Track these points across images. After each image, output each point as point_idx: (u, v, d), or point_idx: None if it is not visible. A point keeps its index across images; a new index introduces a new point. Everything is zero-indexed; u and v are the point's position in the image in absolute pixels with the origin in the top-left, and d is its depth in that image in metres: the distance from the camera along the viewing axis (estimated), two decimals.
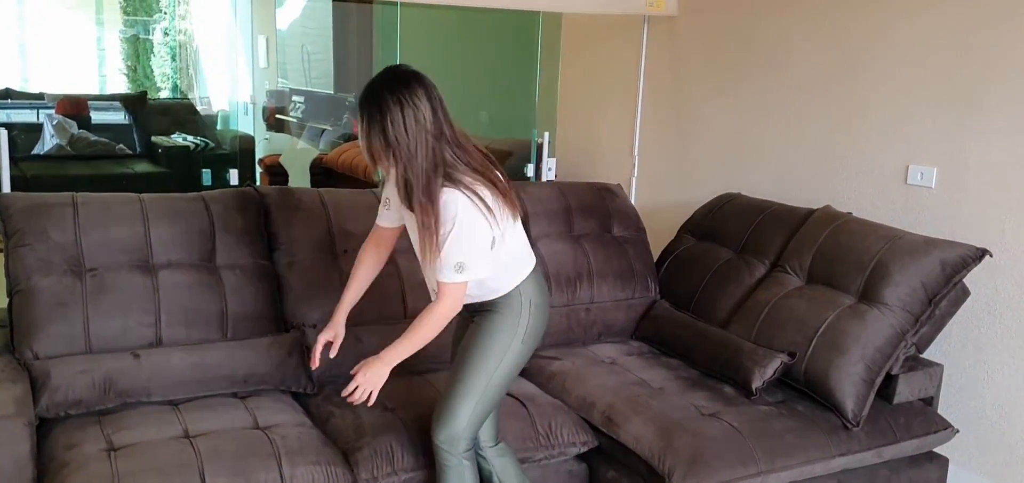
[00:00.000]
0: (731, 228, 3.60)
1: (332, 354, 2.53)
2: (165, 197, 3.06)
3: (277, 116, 8.20)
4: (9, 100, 7.97)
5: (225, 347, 2.87)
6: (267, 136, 7.97)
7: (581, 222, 3.67)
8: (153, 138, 7.57)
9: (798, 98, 3.78)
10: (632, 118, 4.50)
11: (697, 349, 3.27)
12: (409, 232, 2.46)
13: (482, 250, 2.32)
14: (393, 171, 2.27)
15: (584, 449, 2.90)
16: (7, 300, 2.79)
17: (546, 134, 4.56)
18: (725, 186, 3.88)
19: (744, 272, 3.42)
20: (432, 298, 2.40)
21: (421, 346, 2.39)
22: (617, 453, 2.89)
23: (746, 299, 3.32)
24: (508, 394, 2.92)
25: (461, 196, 2.25)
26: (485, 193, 2.29)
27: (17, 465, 2.30)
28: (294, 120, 8.07)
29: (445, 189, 2.25)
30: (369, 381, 2.37)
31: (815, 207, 3.41)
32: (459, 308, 2.39)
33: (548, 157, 4.52)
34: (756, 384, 2.98)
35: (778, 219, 3.46)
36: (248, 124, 7.94)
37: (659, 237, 3.84)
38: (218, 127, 8.37)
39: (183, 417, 2.64)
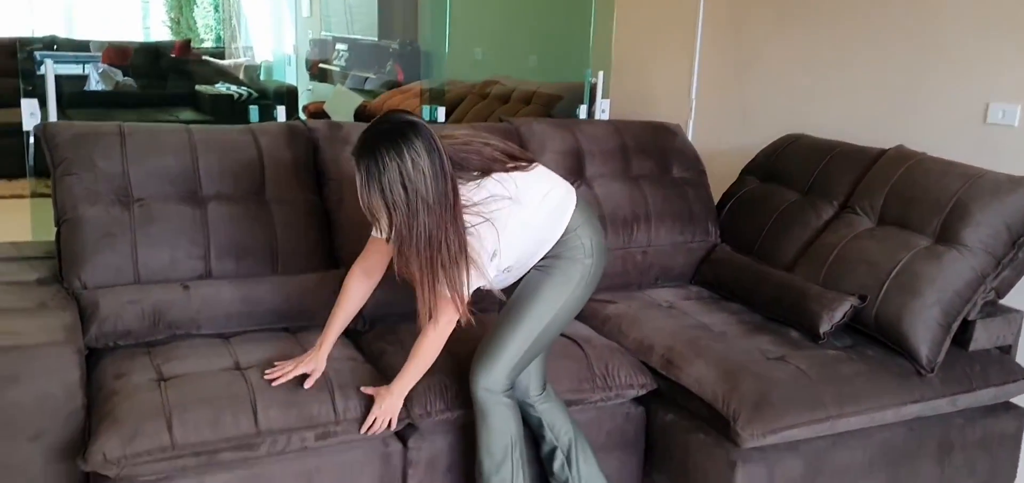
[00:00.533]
0: (796, 169, 3.45)
1: (307, 385, 2.38)
2: (213, 128, 3.00)
3: (320, 65, 8.13)
4: (55, 48, 7.97)
5: (276, 281, 2.80)
6: (310, 87, 7.91)
7: (638, 162, 3.54)
8: (197, 87, 7.55)
9: (866, 33, 3.59)
10: (690, 58, 4.34)
11: (760, 293, 3.15)
12: None
13: (483, 268, 2.25)
14: (391, 226, 2.16)
15: (642, 391, 2.80)
16: (55, 230, 2.73)
17: (600, 73, 4.41)
18: (787, 129, 3.72)
19: (810, 214, 3.27)
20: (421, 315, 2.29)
21: (427, 368, 2.40)
22: (677, 396, 2.78)
23: (813, 242, 3.18)
24: (563, 335, 2.83)
25: (477, 230, 2.20)
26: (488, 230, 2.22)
27: (67, 392, 2.24)
28: (338, 69, 8.00)
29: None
30: (385, 413, 2.39)
31: (886, 147, 3.25)
32: (455, 323, 2.33)
33: (602, 98, 4.37)
34: (824, 328, 2.85)
35: (847, 159, 3.30)
36: (292, 76, 7.88)
37: (717, 181, 3.70)
38: (261, 78, 8.33)
39: (234, 350, 2.58)
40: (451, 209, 2.15)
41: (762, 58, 4.06)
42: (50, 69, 3.36)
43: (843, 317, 2.84)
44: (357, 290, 2.48)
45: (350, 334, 2.85)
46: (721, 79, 4.24)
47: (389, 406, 2.40)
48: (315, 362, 2.42)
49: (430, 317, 2.29)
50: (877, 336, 2.85)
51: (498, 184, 2.26)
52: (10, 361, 2.18)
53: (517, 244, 2.31)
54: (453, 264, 2.18)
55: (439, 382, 2.53)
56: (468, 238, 2.20)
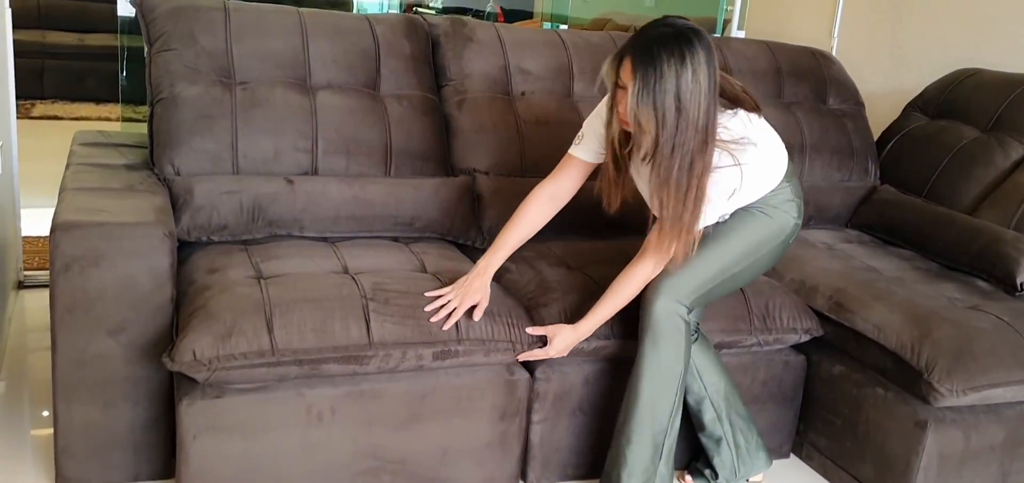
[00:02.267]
0: (976, 104, 3.00)
1: (476, 317, 2.05)
2: (326, 13, 2.67)
3: (416, 9, 7.82)
4: None
5: (388, 184, 2.47)
6: None
7: (792, 88, 3.13)
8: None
9: None
10: None
11: (937, 238, 2.71)
12: (636, 181, 2.10)
13: (721, 205, 2.02)
14: (649, 139, 1.88)
15: (806, 337, 2.40)
16: (148, 110, 2.43)
17: (738, 2, 3.98)
18: (948, 67, 3.25)
19: (996, 153, 2.82)
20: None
21: (623, 305, 2.10)
22: (847, 344, 2.38)
23: (1000, 183, 2.75)
24: None
25: (722, 173, 1.95)
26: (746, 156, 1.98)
27: (155, 281, 1.93)
28: (433, 12, 7.68)
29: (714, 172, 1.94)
30: (557, 352, 2.12)
31: None
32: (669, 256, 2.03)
33: (737, 30, 3.94)
34: (1022, 278, 2.42)
35: None
36: None
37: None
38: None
39: (341, 254, 2.26)
40: (710, 133, 1.90)
41: None
42: None
43: None
44: (538, 214, 2.16)
45: (466, 249, 2.52)
46: (870, 13, 3.77)
47: (566, 347, 2.12)
48: (482, 291, 2.08)
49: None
50: None
51: (749, 120, 2.03)
52: (91, 239, 1.88)
53: (754, 187, 2.06)
54: (699, 196, 1.93)
55: (574, 303, 2.18)
56: (718, 173, 1.95)
